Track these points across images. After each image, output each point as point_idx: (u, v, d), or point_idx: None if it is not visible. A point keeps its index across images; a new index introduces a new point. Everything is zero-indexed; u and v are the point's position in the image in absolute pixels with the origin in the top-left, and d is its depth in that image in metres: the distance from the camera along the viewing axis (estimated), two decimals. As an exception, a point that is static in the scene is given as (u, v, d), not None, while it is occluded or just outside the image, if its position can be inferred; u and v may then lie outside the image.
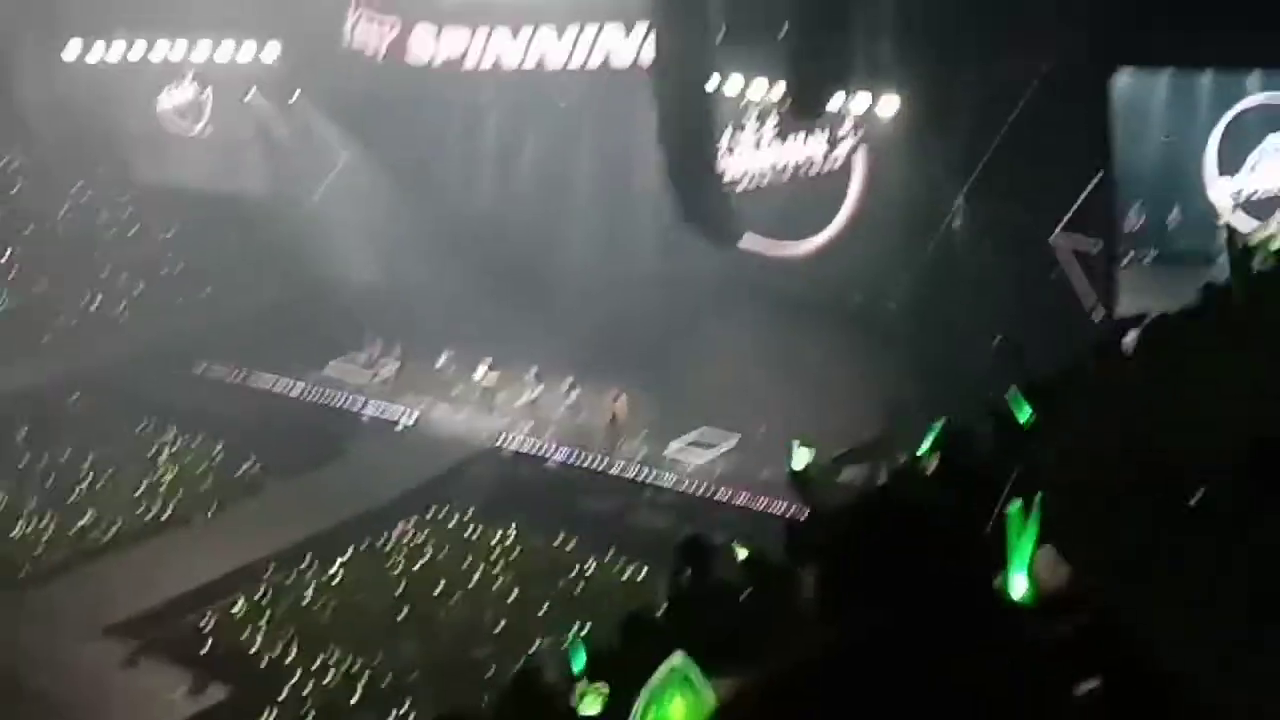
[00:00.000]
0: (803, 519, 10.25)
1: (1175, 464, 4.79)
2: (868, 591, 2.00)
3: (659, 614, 8.16)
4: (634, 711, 2.70)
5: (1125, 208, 23.99)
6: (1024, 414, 9.33)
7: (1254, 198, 24.34)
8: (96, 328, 31.66)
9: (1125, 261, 23.53)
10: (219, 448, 26.98)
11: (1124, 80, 22.32)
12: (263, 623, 21.06)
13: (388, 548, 23.30)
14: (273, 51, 32.83)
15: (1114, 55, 20.84)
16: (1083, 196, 21.77)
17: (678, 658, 2.64)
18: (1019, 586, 4.58)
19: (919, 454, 9.68)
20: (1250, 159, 24.57)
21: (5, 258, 32.66)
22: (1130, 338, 10.78)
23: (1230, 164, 24.61)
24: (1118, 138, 21.73)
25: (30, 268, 32.68)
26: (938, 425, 9.69)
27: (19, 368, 28.91)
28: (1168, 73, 21.60)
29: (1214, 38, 18.89)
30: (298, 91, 32.88)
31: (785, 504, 18.75)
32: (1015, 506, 4.64)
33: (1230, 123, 24.34)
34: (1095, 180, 21.64)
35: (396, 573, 22.37)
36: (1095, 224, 21.97)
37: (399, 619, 20.95)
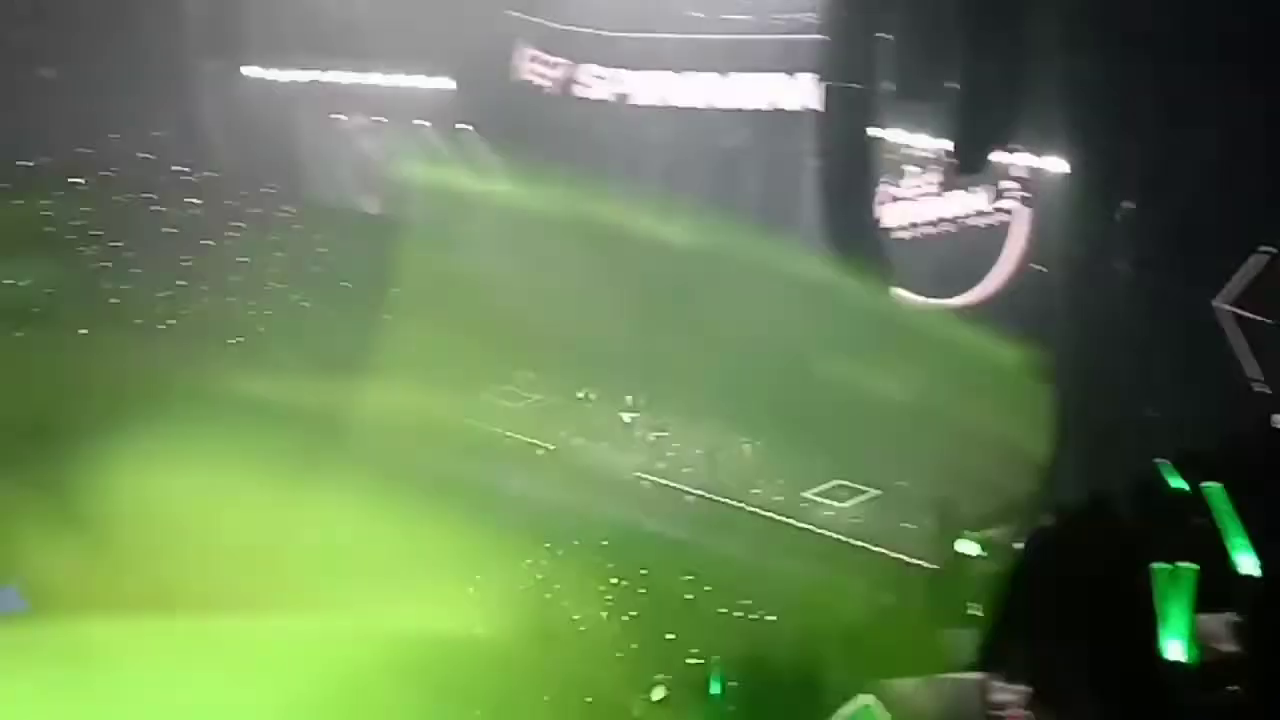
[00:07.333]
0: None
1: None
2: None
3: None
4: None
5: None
6: (1175, 483, 9.20)
7: None
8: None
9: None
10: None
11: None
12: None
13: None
14: (443, 83, 33.62)
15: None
16: (1249, 267, 21.29)
17: (868, 697, 2.69)
18: (1174, 651, 4.51)
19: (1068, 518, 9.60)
20: None
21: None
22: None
23: None
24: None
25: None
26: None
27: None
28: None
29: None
30: (465, 124, 33.47)
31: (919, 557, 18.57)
32: (1162, 570, 4.56)
33: None
34: (1266, 251, 21.15)
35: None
36: (1265, 296, 21.43)
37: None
